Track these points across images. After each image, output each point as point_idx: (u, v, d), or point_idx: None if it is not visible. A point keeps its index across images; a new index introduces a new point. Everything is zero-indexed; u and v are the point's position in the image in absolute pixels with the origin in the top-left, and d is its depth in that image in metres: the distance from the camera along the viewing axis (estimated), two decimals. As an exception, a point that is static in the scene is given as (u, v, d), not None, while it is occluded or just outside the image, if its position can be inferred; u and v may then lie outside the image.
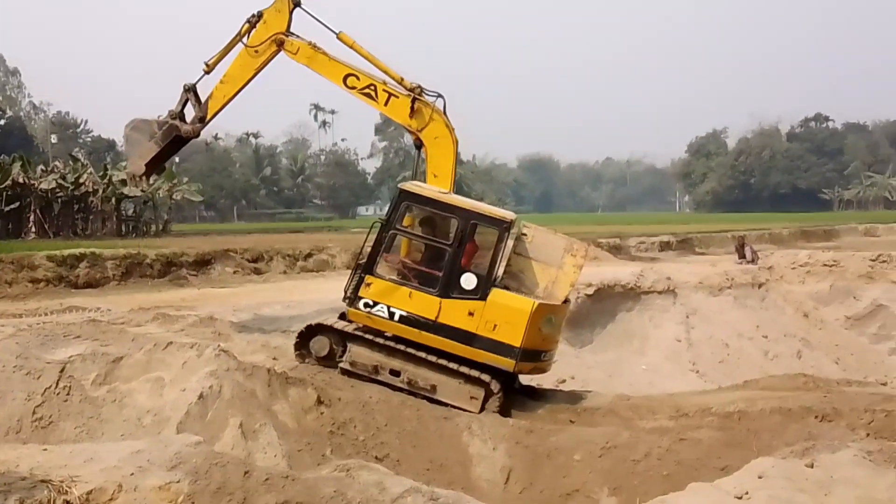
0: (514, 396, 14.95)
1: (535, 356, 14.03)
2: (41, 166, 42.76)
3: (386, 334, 14.05)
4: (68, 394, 12.57)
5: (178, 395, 12.40)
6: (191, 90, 15.61)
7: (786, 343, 23.83)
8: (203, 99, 15.57)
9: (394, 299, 13.83)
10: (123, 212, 44.70)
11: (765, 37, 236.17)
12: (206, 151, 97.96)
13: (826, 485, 9.39)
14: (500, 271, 14.30)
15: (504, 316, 13.53)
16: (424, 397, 13.71)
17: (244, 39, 15.15)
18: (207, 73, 15.53)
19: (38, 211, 39.42)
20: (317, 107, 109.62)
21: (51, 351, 13.96)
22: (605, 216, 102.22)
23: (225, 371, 12.71)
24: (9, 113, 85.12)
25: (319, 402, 12.99)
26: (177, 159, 79.87)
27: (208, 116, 15.55)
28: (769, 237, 44.84)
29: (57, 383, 12.61)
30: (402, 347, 13.88)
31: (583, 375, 20.48)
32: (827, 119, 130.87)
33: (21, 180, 38.41)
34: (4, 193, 37.87)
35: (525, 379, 18.79)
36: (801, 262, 27.35)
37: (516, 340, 13.51)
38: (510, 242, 14.37)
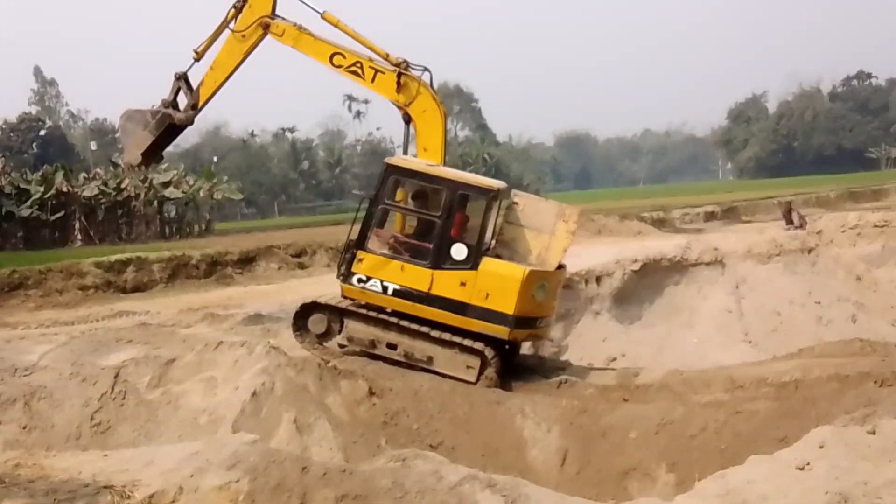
0: (521, 369, 15.02)
1: (529, 323, 14.04)
2: (83, 174, 43.26)
3: (381, 308, 14.10)
4: (124, 398, 12.76)
5: (231, 393, 12.52)
6: (182, 78, 15.75)
7: (839, 308, 23.40)
8: (194, 86, 15.72)
9: (386, 273, 13.94)
10: (166, 214, 45.10)
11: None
12: (243, 149, 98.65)
13: (889, 451, 9.18)
14: (491, 240, 14.39)
15: (496, 284, 13.58)
16: (422, 369, 13.79)
17: (231, 25, 15.30)
18: (197, 60, 15.68)
19: (82, 218, 39.93)
20: (350, 97, 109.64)
21: (104, 356, 14.24)
22: (646, 189, 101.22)
23: (276, 367, 12.80)
24: (48, 123, 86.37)
25: (371, 393, 13.05)
26: (215, 159, 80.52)
27: (200, 103, 15.71)
28: (816, 200, 44.04)
29: (112, 388, 12.80)
30: (396, 321, 13.96)
31: (633, 352, 20.33)
32: (869, 76, 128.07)
33: (65, 189, 38.89)
34: (49, 203, 38.37)
35: (575, 358, 18.80)
36: (850, 225, 26.77)
37: (509, 308, 13.54)
38: (499, 211, 14.41)
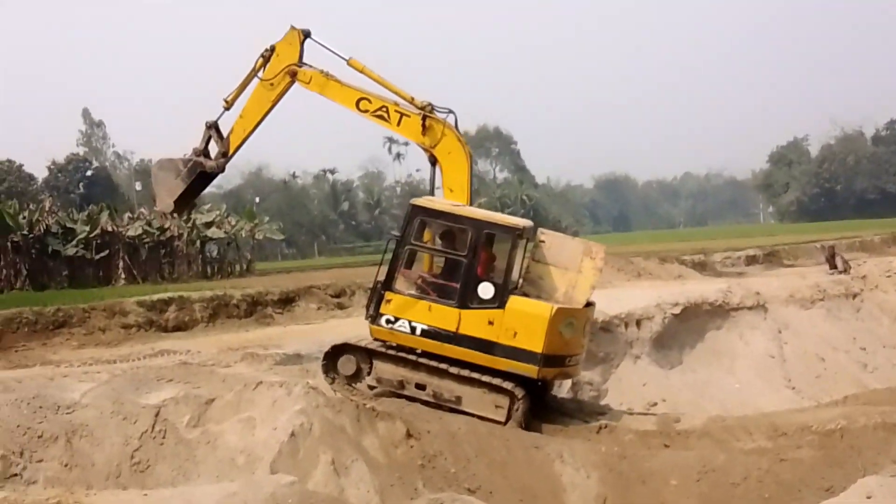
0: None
1: (558, 361, 13.99)
2: (127, 213, 43.95)
3: (410, 348, 14.13)
4: (163, 437, 12.83)
5: (269, 433, 12.56)
6: (212, 127, 16.03)
7: (884, 354, 23.03)
8: (225, 134, 15.96)
9: (414, 313, 14.01)
10: (208, 254, 45.61)
11: (842, 39, 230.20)
12: (284, 190, 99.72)
13: (941, 503, 8.97)
14: (518, 278, 14.40)
15: (523, 322, 13.59)
16: (451, 409, 13.72)
17: (259, 74, 15.58)
18: (227, 109, 15.96)
19: (126, 257, 40.51)
20: (390, 139, 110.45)
21: (144, 395, 14.31)
22: (685, 232, 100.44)
23: (314, 408, 12.82)
24: (95, 163, 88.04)
25: (409, 435, 13.00)
26: (256, 199, 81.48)
27: (230, 151, 15.96)
28: (860, 245, 43.36)
29: (152, 427, 12.89)
30: (425, 361, 13.96)
31: (673, 398, 20.08)
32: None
33: (109, 228, 39.54)
34: (94, 242, 38.98)
35: (615, 402, 18.61)
36: (895, 270, 26.38)
37: (537, 346, 13.54)
38: (523, 250, 14.47)
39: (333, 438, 12.50)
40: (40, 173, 76.19)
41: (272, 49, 15.53)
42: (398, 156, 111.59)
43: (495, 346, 13.69)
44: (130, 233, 40.81)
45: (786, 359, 22.58)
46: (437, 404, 13.82)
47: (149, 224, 41.88)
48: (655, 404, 19.46)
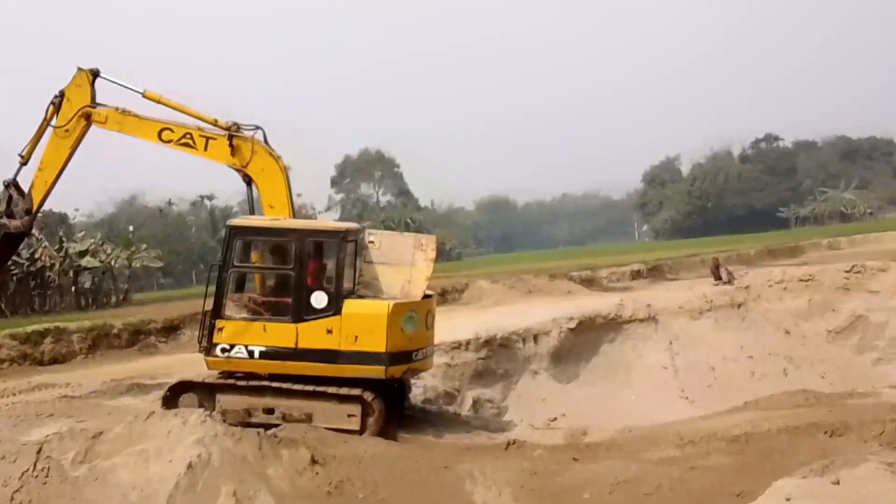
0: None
1: (405, 358, 13.83)
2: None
3: (251, 374, 13.76)
4: (47, 476, 11.89)
5: (164, 466, 11.80)
6: (10, 185, 15.33)
7: (771, 362, 23.63)
8: (26, 191, 15.27)
9: (249, 337, 13.69)
10: (81, 284, 43.59)
11: (710, 59, 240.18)
12: (160, 217, 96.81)
13: (858, 501, 9.05)
14: (355, 283, 14.19)
15: (362, 325, 13.42)
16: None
17: (52, 122, 14.99)
18: (24, 164, 15.31)
19: (-8, 290, 38.30)
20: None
21: (25, 432, 13.35)
22: (566, 251, 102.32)
23: (212, 437, 12.13)
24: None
25: (313, 461, 12.45)
26: (131, 228, 78.68)
27: (34, 207, 15.31)
28: (737, 258, 44.92)
29: (34, 465, 11.93)
30: (268, 384, 13.60)
31: (573, 412, 20.06)
32: (776, 139, 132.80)
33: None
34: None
35: (516, 419, 18.41)
36: (776, 280, 27.27)
37: (380, 346, 13.40)
38: (353, 253, 14.35)
39: (235, 469, 11.83)
40: None
41: (62, 94, 14.91)
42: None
43: (338, 355, 13.47)
44: (-3, 264, 38.58)
45: (678, 369, 22.91)
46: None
47: (17, 255, 39.69)
48: (555, 419, 19.40)
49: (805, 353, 24.70)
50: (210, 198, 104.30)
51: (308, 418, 13.36)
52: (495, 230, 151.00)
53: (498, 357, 21.01)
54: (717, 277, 29.96)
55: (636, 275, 39.63)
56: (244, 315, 13.76)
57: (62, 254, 40.61)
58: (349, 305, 13.54)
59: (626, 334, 23.56)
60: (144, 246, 50.54)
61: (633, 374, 22.66)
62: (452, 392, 19.72)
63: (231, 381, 13.75)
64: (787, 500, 9.19)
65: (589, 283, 35.29)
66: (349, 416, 13.38)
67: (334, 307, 13.49)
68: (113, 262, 43.75)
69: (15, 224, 15.16)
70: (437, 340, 20.64)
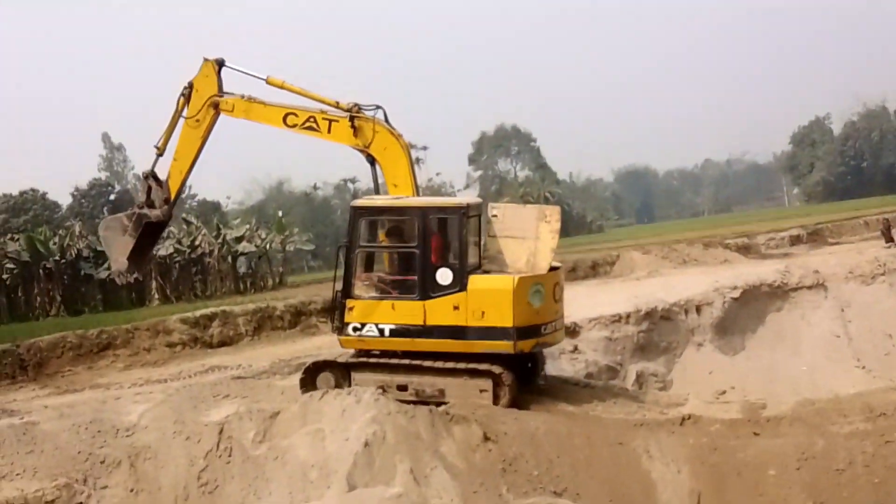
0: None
1: (534, 332, 13.58)
2: (157, 233, 43.50)
3: (383, 352, 13.88)
4: (230, 455, 12.30)
5: (340, 445, 11.98)
6: (149, 176, 15.73)
7: (953, 326, 22.06)
8: (163, 181, 15.64)
9: (379, 315, 13.75)
10: (238, 269, 45.05)
11: (860, 13, 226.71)
12: (306, 202, 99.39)
13: None
14: (475, 258, 14.04)
15: (488, 300, 13.30)
16: (438, 403, 13.32)
17: (183, 113, 15.33)
18: (160, 155, 15.67)
19: (158, 277, 40.08)
20: (409, 144, 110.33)
21: (204, 413, 13.75)
22: (710, 219, 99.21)
23: (386, 415, 12.25)
24: (118, 187, 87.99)
25: (486, 438, 12.41)
26: (280, 213, 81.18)
27: (172, 196, 15.66)
28: (902, 218, 42.36)
29: (217, 445, 12.38)
30: (400, 361, 13.68)
31: (742, 384, 19.33)
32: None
33: (140, 249, 39.05)
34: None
35: (682, 393, 17.84)
36: (953, 239, 25.45)
37: (507, 321, 13.23)
38: (476, 228, 14.18)
39: (410, 446, 11.91)
40: (64, 200, 76.05)
41: (190, 85, 15.26)
42: (417, 160, 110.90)
43: (466, 330, 13.37)
44: (161, 252, 40.33)
45: (852, 338, 21.73)
46: (423, 401, 13.39)
47: (179, 242, 41.46)
48: (724, 392, 18.68)
49: None
50: (353, 181, 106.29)
51: (441, 394, 13.45)
52: (636, 200, 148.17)
53: (660, 329, 20.43)
54: (889, 239, 28.26)
55: (795, 240, 37.89)
56: (373, 294, 13.91)
57: (220, 240, 42.04)
58: (474, 281, 13.50)
59: (794, 302, 22.48)
60: (297, 230, 51.77)
61: (802, 343, 21.60)
62: (615, 366, 19.33)
63: (364, 359, 13.95)
64: None
65: (745, 250, 33.96)
66: (481, 391, 13.38)
67: (459, 283, 13.46)
68: (268, 247, 44.97)
69: (155, 213, 15.66)
70: (594, 314, 20.54)
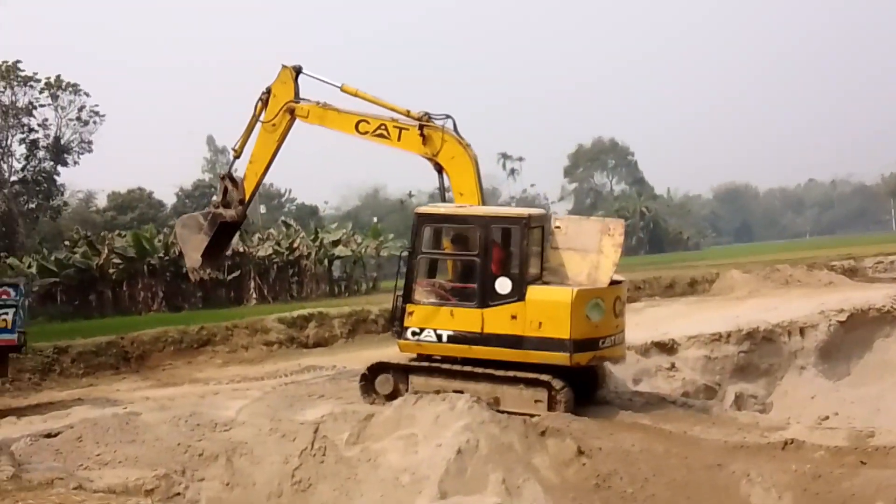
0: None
1: (591, 345, 13.50)
2: (257, 234, 44.51)
3: (442, 357, 14.03)
4: (323, 455, 12.39)
5: (433, 451, 11.95)
6: (226, 177, 16.15)
7: None
8: (239, 182, 15.97)
9: (438, 321, 13.86)
10: (333, 272, 45.74)
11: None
12: (401, 210, 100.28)
13: None
14: (535, 269, 14.03)
15: (546, 311, 13.34)
16: (498, 411, 13.19)
17: (261, 117, 15.65)
18: (237, 157, 16.15)
19: (257, 277, 40.99)
20: (504, 155, 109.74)
21: (299, 412, 13.97)
22: (812, 241, 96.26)
23: (479, 424, 12.20)
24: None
25: (580, 452, 12.21)
26: (374, 219, 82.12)
27: (247, 197, 16.00)
28: None
29: (312, 444, 12.47)
30: (458, 367, 13.76)
31: (846, 412, 18.65)
32: None
33: (241, 249, 40.01)
34: (226, 263, 39.48)
35: (782, 417, 17.29)
36: None
37: (564, 333, 13.22)
38: (543, 238, 14.17)
39: (502, 456, 11.82)
40: (169, 200, 78.39)
41: (268, 91, 15.62)
42: (512, 171, 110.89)
43: (523, 340, 13.39)
44: (261, 253, 41.28)
45: (968, 371, 20.75)
46: None
47: (278, 244, 42.31)
48: (827, 418, 18.05)
49: None
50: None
51: (496, 402, 13.42)
52: (734, 219, 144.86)
53: (761, 350, 19.90)
54: None
55: (906, 265, 36.41)
56: (433, 300, 14.06)
57: (317, 243, 42.76)
58: (533, 291, 13.50)
59: (905, 330, 21.63)
60: (392, 236, 52.29)
61: (913, 374, 20.74)
62: (713, 386, 18.87)
63: (424, 363, 14.12)
64: None
65: (851, 273, 32.80)
66: (536, 401, 13.36)
67: (518, 293, 13.48)
68: (363, 252, 45.54)
69: (230, 214, 16.04)
70: (693, 332, 20.12)
